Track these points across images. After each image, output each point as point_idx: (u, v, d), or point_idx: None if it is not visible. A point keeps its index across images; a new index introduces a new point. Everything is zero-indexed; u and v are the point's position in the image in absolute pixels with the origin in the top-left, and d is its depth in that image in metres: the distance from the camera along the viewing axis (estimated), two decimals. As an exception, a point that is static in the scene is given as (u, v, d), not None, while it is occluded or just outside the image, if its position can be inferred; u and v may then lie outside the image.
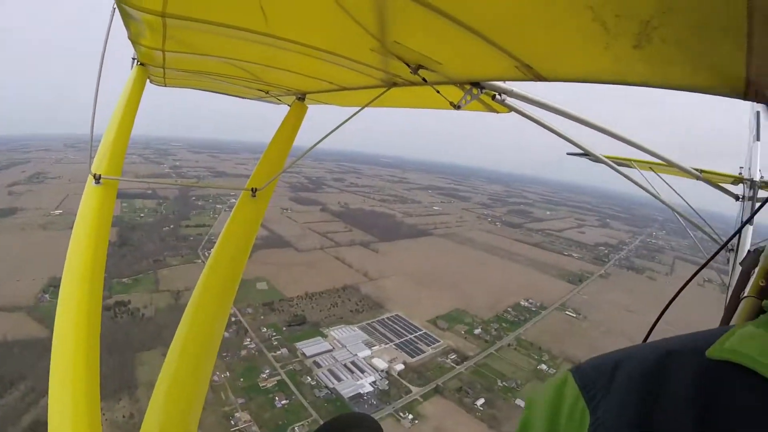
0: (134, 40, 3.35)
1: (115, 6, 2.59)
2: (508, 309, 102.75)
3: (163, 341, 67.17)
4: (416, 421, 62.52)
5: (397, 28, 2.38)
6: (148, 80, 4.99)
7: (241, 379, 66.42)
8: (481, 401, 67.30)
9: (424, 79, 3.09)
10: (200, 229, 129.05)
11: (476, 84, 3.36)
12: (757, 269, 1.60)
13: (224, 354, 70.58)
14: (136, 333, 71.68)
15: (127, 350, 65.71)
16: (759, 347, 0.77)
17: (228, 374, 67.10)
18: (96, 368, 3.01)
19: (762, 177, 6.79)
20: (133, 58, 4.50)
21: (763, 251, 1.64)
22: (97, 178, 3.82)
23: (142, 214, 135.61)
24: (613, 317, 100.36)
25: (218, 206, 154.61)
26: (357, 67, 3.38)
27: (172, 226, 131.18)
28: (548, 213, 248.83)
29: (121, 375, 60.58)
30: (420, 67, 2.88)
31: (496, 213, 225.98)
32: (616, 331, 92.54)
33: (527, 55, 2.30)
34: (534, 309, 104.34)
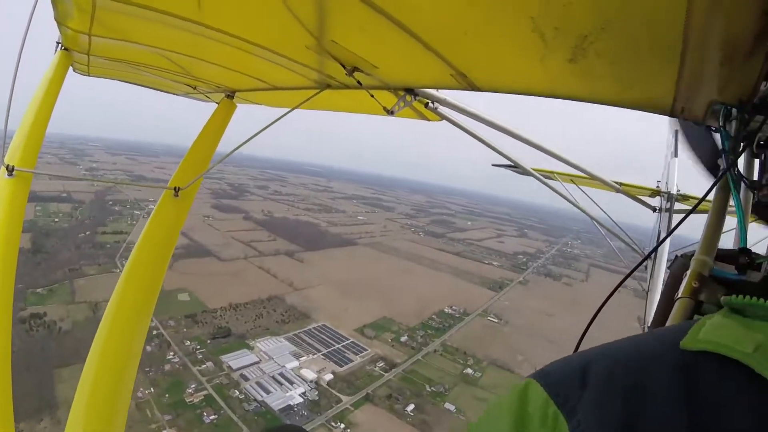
0: (60, 21, 3.13)
1: None
2: (433, 316, 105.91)
3: (82, 357, 62.39)
4: (348, 430, 63.59)
5: (337, 27, 2.38)
6: (71, 68, 4.69)
7: (167, 395, 64.53)
8: (411, 407, 69.37)
9: (359, 82, 3.09)
10: (118, 236, 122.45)
11: (410, 90, 3.44)
12: (689, 272, 1.76)
13: (147, 369, 68.57)
14: (53, 348, 68.07)
15: (45, 366, 62.39)
16: (732, 336, 0.81)
17: (152, 390, 65.10)
18: (8, 379, 2.86)
19: (679, 190, 7.19)
20: (58, 42, 4.18)
21: (692, 256, 1.83)
22: (10, 170, 3.55)
23: (56, 219, 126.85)
24: (533, 322, 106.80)
25: (136, 212, 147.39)
26: (290, 65, 3.33)
27: (88, 233, 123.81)
28: (469, 223, 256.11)
29: (41, 393, 57.51)
30: (355, 69, 2.89)
31: (419, 223, 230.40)
32: (537, 335, 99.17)
33: (463, 63, 2.36)
34: (458, 315, 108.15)
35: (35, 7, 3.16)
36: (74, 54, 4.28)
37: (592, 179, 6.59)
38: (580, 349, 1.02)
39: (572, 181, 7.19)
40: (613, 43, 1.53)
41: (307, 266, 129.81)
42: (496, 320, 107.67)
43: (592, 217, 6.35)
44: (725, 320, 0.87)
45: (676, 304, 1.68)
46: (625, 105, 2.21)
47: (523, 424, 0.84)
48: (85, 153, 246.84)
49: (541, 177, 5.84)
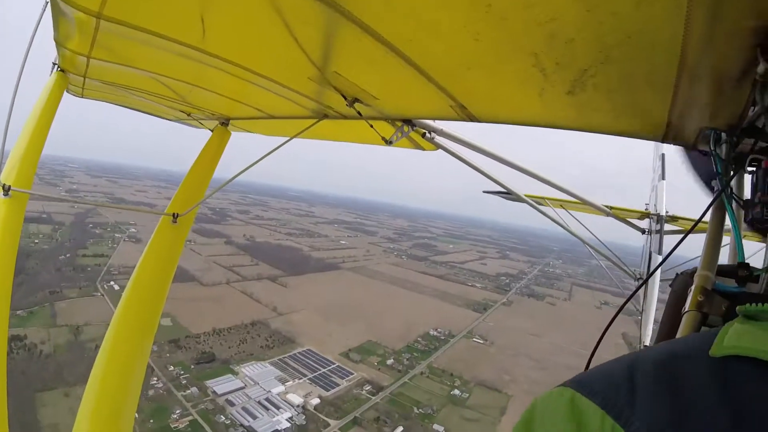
0: (60, 42, 3.10)
1: (49, 0, 2.50)
2: (418, 339, 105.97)
3: (64, 381, 63.19)
4: None
5: (341, 59, 2.41)
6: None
7: (151, 421, 63.33)
8: (399, 429, 69.23)
9: (359, 113, 3.10)
10: (99, 259, 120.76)
11: (408, 121, 3.49)
12: (693, 287, 1.84)
13: None
14: (34, 371, 66.55)
15: (26, 390, 60.94)
16: (753, 339, 0.88)
17: (137, 415, 61.99)
18: (3, 396, 2.89)
19: (668, 212, 7.34)
20: (54, 63, 4.18)
21: (693, 273, 1.92)
22: (6, 190, 3.50)
23: (36, 240, 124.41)
24: (518, 341, 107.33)
25: (117, 235, 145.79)
26: (290, 95, 3.33)
27: (68, 255, 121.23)
28: (451, 246, 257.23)
29: (23, 417, 56.28)
30: (356, 100, 2.91)
31: (401, 247, 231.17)
32: (523, 354, 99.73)
33: (464, 95, 2.41)
34: (443, 337, 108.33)
35: (37, 28, 3.19)
36: (70, 75, 4.28)
37: (582, 203, 6.79)
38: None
39: (562, 206, 7.35)
40: (612, 76, 1.68)
41: (290, 291, 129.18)
42: (482, 341, 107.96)
43: (584, 242, 6.52)
44: (744, 327, 0.94)
45: (684, 318, 1.80)
46: (620, 133, 2.35)
47: None
48: (64, 174, 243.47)
49: (533, 203, 6.07)
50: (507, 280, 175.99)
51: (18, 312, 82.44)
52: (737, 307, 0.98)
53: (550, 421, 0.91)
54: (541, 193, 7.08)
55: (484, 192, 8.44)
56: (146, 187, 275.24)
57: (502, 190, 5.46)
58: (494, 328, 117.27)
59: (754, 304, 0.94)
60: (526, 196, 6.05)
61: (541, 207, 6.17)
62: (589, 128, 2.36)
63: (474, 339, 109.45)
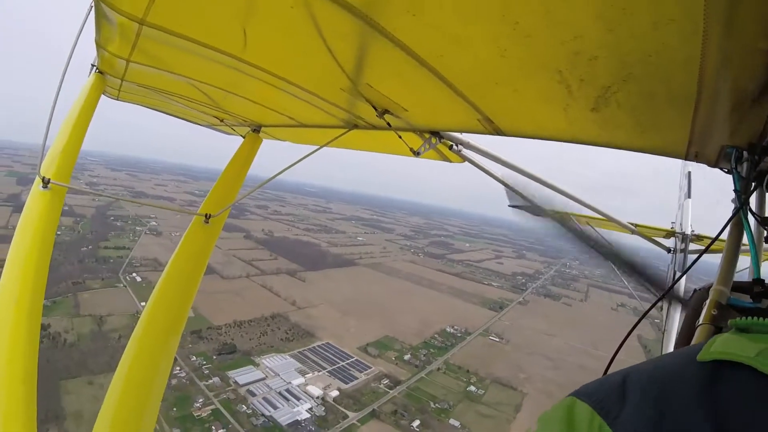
0: (101, 44, 3.14)
1: (93, 4, 2.52)
2: (435, 335, 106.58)
3: (88, 369, 64.82)
4: None
5: (373, 71, 2.45)
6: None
7: (174, 409, 64.90)
8: (416, 423, 70.03)
9: (388, 124, 3.13)
10: (120, 252, 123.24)
11: (436, 133, 3.50)
12: (707, 302, 1.84)
13: None
14: (58, 359, 68.11)
15: (50, 378, 62.52)
16: (738, 346, 0.93)
17: (160, 404, 64.86)
18: (33, 382, 2.93)
19: (693, 231, 7.18)
20: (93, 65, 4.22)
21: (710, 288, 1.93)
22: (46, 182, 3.57)
23: (58, 232, 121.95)
24: (533, 341, 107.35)
25: (138, 228, 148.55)
26: (322, 104, 3.36)
27: (90, 247, 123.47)
28: (467, 245, 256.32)
29: (47, 404, 57.62)
30: (386, 111, 2.95)
31: (418, 244, 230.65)
32: (538, 353, 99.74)
33: (491, 109, 2.44)
34: (459, 335, 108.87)
35: (82, 27, 3.22)
36: (108, 78, 4.31)
37: (608, 221, 6.64)
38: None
39: (588, 223, 7.16)
40: (634, 93, 1.69)
41: (308, 285, 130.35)
42: (498, 339, 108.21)
43: (608, 260, 6.42)
44: (733, 336, 0.99)
45: (698, 331, 1.79)
46: (643, 150, 2.36)
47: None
48: (84, 167, 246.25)
49: (558, 220, 5.79)
50: (523, 280, 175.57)
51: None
52: (729, 321, 1.03)
53: (549, 424, 1.00)
54: (567, 209, 6.83)
55: (509, 206, 8.20)
56: (165, 181, 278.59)
57: (528, 204, 5.27)
58: (510, 326, 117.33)
59: (746, 318, 0.98)
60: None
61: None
62: (613, 144, 2.40)
63: (490, 337, 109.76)
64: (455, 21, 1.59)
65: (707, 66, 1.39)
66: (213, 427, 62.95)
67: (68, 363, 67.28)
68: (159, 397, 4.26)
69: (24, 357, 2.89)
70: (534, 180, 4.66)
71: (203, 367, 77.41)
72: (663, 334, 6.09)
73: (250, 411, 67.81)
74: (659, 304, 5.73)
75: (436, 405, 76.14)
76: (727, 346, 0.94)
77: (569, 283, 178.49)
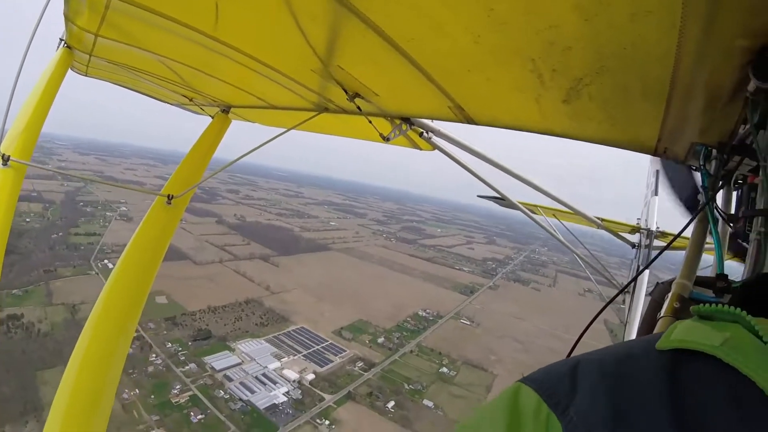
0: (70, 17, 3.07)
1: None
2: (408, 319, 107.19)
3: (64, 359, 61.37)
4: (333, 427, 64.56)
5: (345, 53, 2.40)
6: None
7: (152, 396, 64.39)
8: (391, 404, 70.84)
9: (359, 108, 3.08)
10: (91, 238, 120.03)
11: (407, 119, 3.45)
12: (670, 294, 1.86)
13: (131, 371, 68.00)
14: (34, 349, 66.88)
15: (26, 369, 61.70)
16: (701, 334, 0.87)
17: (137, 391, 64.81)
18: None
19: (658, 228, 7.21)
20: (61, 39, 4.11)
21: (672, 281, 1.94)
22: (6, 159, 3.49)
23: (27, 219, 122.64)
24: (503, 324, 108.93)
25: (108, 213, 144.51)
26: (292, 86, 3.32)
27: (60, 234, 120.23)
28: (439, 230, 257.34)
29: (25, 395, 56.86)
30: (357, 95, 2.89)
31: (390, 229, 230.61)
32: (508, 336, 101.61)
33: (462, 97, 2.41)
34: (431, 318, 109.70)
35: (48, 2, 3.15)
36: (76, 53, 4.20)
37: (575, 214, 6.65)
38: None
39: (555, 216, 7.34)
40: (606, 86, 1.69)
41: (282, 270, 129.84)
42: (469, 323, 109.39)
43: (574, 252, 6.40)
44: (695, 324, 0.93)
45: (659, 323, 1.81)
46: (613, 144, 2.33)
47: (517, 427, 0.86)
48: (53, 152, 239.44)
49: (527, 210, 5.92)
50: (493, 265, 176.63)
51: (14, 291, 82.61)
52: (691, 308, 0.98)
53: (492, 411, 0.92)
54: (535, 201, 7.15)
55: (478, 197, 8.52)
56: (135, 165, 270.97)
57: (497, 195, 5.35)
58: (481, 310, 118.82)
59: (708, 305, 0.93)
60: (519, 203, 6.00)
61: (533, 215, 6.04)
62: (584, 137, 2.36)
63: (461, 320, 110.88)
64: (429, 3, 1.58)
65: (682, 62, 1.39)
66: (191, 413, 62.56)
67: (43, 353, 65.99)
68: (116, 379, 4.13)
69: None
70: (503, 171, 4.69)
71: (179, 353, 76.64)
72: (625, 326, 6.11)
73: (227, 396, 67.57)
74: (621, 296, 6.39)
75: (410, 386, 76.92)
76: (689, 333, 0.89)
77: (538, 269, 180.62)
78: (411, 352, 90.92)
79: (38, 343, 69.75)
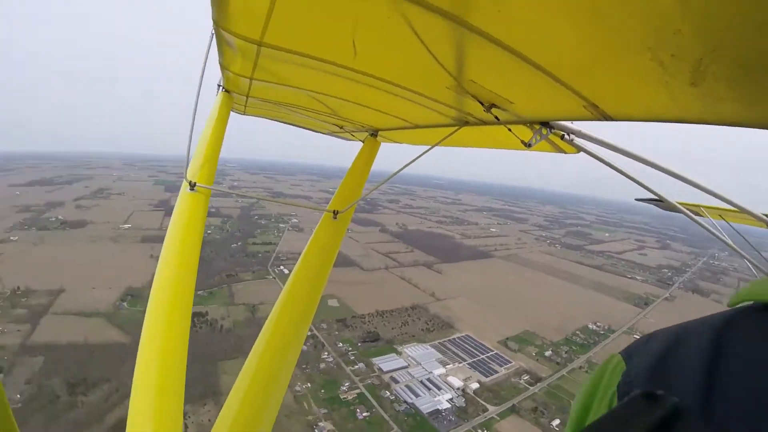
0: (225, 66, 3.41)
1: (214, 32, 2.68)
2: (577, 332, 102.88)
3: (243, 352, 69.55)
4: None
5: (473, 67, 2.46)
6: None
7: (322, 391, 69.31)
8: (556, 422, 68.12)
9: (496, 118, 3.12)
10: (267, 247, 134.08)
11: (545, 124, 3.42)
12: None
13: (304, 366, 74.14)
14: (216, 343, 75.69)
15: (209, 359, 69.47)
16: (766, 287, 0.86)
17: (309, 385, 70.35)
18: (182, 373, 3.00)
19: None
20: (219, 85, 4.62)
21: None
22: (192, 185, 3.95)
23: (209, 231, 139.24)
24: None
25: (281, 225, 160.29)
26: (431, 104, 3.46)
27: (239, 243, 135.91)
28: (607, 235, 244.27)
29: (206, 381, 64.18)
30: (493, 105, 2.95)
31: (554, 235, 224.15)
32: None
33: (593, 94, 2.39)
34: (602, 332, 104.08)
35: (208, 53, 3.43)
36: (234, 95, 4.67)
37: (743, 213, 5.95)
38: None
39: (721, 217, 6.86)
40: (726, 63, 1.55)
41: (445, 277, 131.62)
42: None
43: (745, 257, 5.95)
44: (764, 279, 0.92)
45: None
46: (753, 125, 2.16)
47: (603, 371, 1.10)
48: (225, 173, 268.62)
49: (688, 212, 5.46)
50: (669, 273, 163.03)
51: (199, 292, 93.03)
52: None
53: (594, 373, 1.15)
54: (697, 201, 6.48)
55: (636, 200, 8.06)
56: (300, 180, 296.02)
57: (654, 197, 4.97)
58: (656, 324, 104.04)
59: None
60: (679, 203, 5.44)
61: (697, 217, 5.54)
62: (720, 120, 2.19)
63: (635, 335, 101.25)
64: (536, 11, 1.64)
65: None
66: (358, 410, 66.12)
67: (225, 346, 74.48)
68: (289, 373, 4.34)
69: (176, 348, 3.02)
70: (656, 168, 4.30)
71: (349, 353, 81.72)
72: None
73: (393, 397, 70.24)
74: None
75: (579, 405, 73.51)
76: (757, 287, 0.90)
77: (719, 277, 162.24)
78: (580, 368, 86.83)
79: (221, 337, 79.14)
